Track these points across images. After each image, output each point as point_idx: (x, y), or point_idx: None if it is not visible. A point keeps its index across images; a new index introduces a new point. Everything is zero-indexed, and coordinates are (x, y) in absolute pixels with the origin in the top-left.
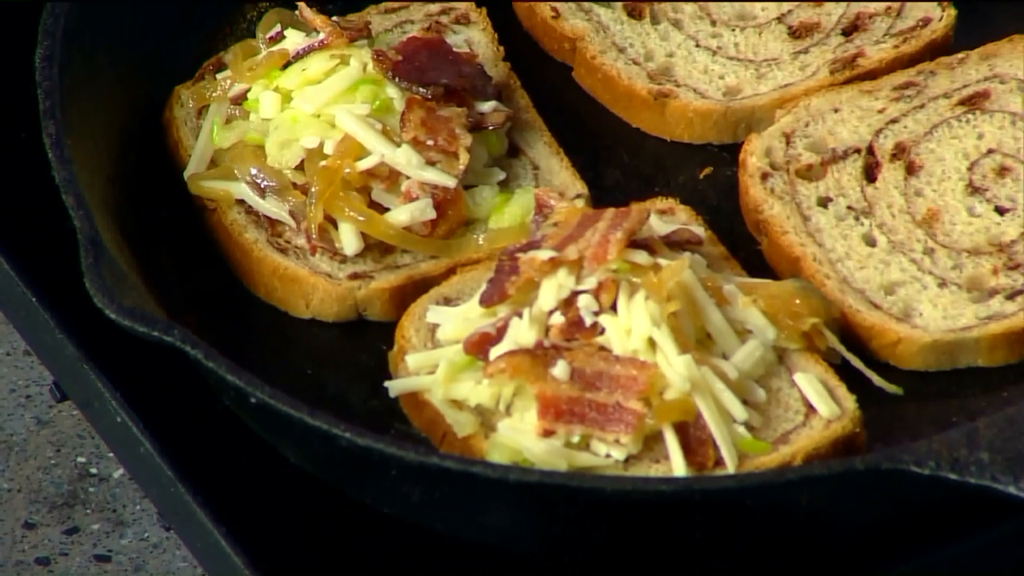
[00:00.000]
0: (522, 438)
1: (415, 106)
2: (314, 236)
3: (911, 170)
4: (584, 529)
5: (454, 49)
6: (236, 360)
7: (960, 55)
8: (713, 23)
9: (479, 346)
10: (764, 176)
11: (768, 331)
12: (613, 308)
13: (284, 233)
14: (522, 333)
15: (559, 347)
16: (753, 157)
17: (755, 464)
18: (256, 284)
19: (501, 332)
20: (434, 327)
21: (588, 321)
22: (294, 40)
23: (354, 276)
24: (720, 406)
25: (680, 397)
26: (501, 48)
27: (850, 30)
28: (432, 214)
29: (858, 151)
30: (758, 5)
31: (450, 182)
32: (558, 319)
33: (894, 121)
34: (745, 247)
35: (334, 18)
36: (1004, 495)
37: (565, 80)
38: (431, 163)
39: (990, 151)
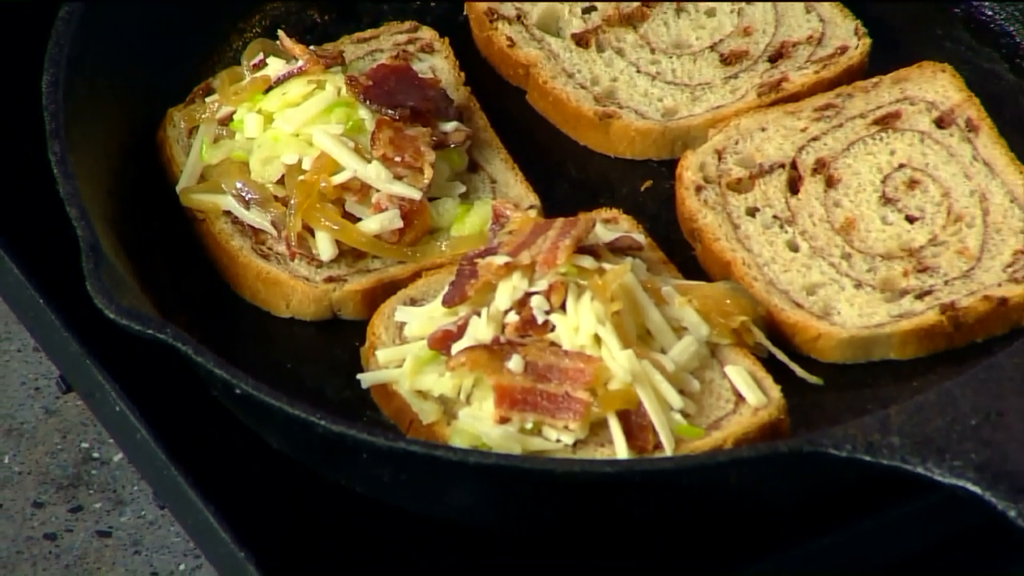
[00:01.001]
0: (481, 425)
1: (384, 126)
2: (293, 243)
3: (830, 183)
4: (537, 506)
5: (419, 75)
6: (223, 355)
7: (874, 79)
8: (652, 51)
9: (442, 342)
10: (698, 189)
11: (702, 328)
12: (562, 308)
13: (267, 241)
14: (480, 330)
15: (514, 343)
16: (688, 172)
17: (690, 448)
18: (241, 287)
19: (462, 330)
20: (401, 325)
21: (540, 319)
22: (275, 67)
23: (329, 279)
24: (659, 396)
25: (623, 388)
26: (462, 74)
27: (775, 57)
28: (399, 223)
29: (783, 166)
30: (692, 35)
31: (416, 195)
32: (513, 318)
33: (815, 139)
34: (681, 253)
35: (311, 47)
36: (913, 475)
37: (520, 103)
38: (399, 177)
39: (901, 166)
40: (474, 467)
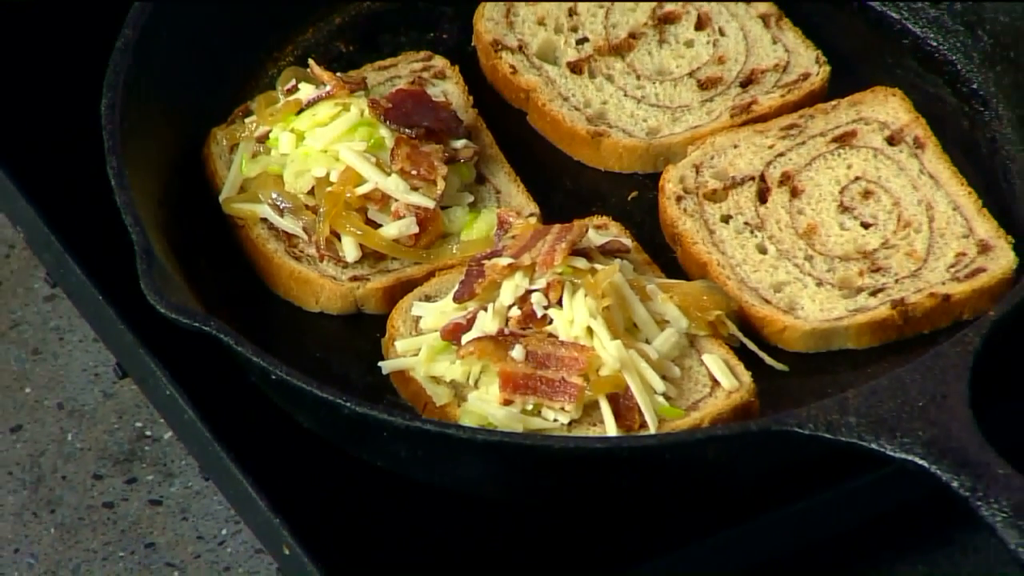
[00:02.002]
0: (487, 406)
1: (402, 144)
2: (322, 247)
3: (794, 193)
4: (537, 478)
5: (433, 98)
6: (260, 345)
7: (833, 102)
8: (638, 77)
9: (453, 333)
10: (678, 199)
11: (681, 321)
12: (559, 303)
13: (298, 245)
14: (487, 323)
15: (516, 334)
16: (670, 183)
17: (671, 426)
18: (276, 285)
19: (470, 322)
20: (417, 319)
21: (539, 313)
22: (306, 91)
23: (354, 278)
24: (644, 381)
25: (612, 374)
26: (470, 97)
27: (746, 83)
28: (415, 229)
29: (753, 179)
30: (673, 63)
31: (430, 204)
32: (515, 312)
33: (781, 155)
34: (663, 255)
35: (338, 74)
36: (867, 451)
37: (521, 123)
38: (415, 189)
39: (857, 178)
40: (481, 444)
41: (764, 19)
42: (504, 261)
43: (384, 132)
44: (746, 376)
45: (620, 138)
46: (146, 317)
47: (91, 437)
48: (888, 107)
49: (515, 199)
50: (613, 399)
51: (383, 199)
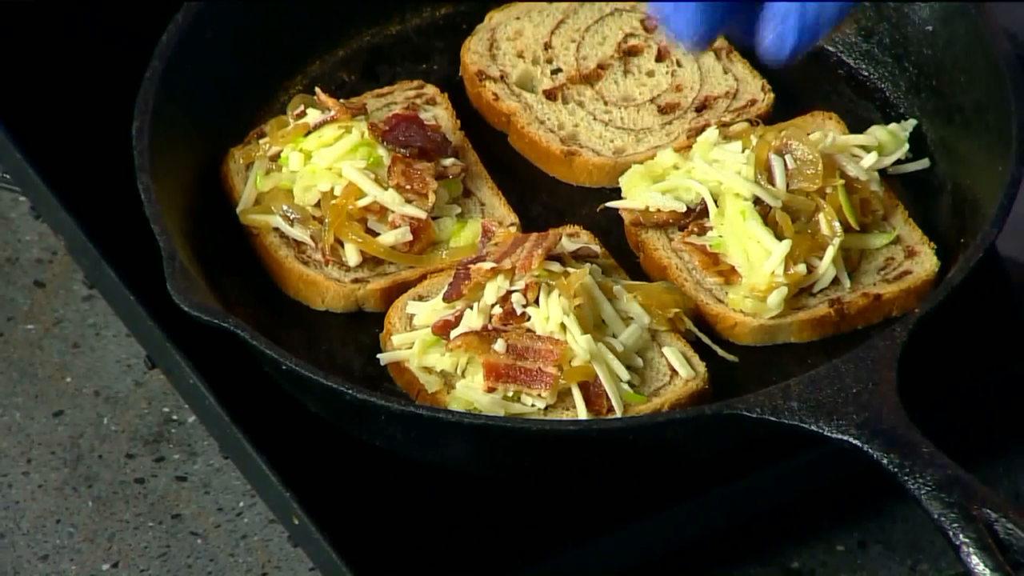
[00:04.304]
0: (473, 393)
1: (398, 162)
2: (327, 253)
3: None
4: (516, 457)
5: (425, 122)
6: (272, 339)
7: (777, 125)
8: (606, 103)
9: (443, 329)
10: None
11: (644, 318)
12: (536, 302)
13: (306, 251)
14: (473, 320)
15: (498, 329)
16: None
17: (635, 411)
18: (286, 286)
19: (458, 319)
20: (411, 316)
21: (519, 311)
22: (313, 116)
23: (355, 280)
24: (611, 370)
25: (583, 364)
26: (458, 121)
27: (701, 108)
28: (410, 237)
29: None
30: (636, 91)
31: (422, 215)
32: (498, 310)
33: None
34: (628, 260)
35: (341, 101)
36: (808, 432)
37: (503, 144)
38: (409, 201)
39: None
40: (468, 426)
41: (716, 52)
42: (488, 265)
43: (382, 152)
44: (701, 366)
45: (590, 157)
46: (172, 315)
47: (124, 421)
48: (825, 129)
49: (497, 211)
50: (584, 387)
51: (381, 211)
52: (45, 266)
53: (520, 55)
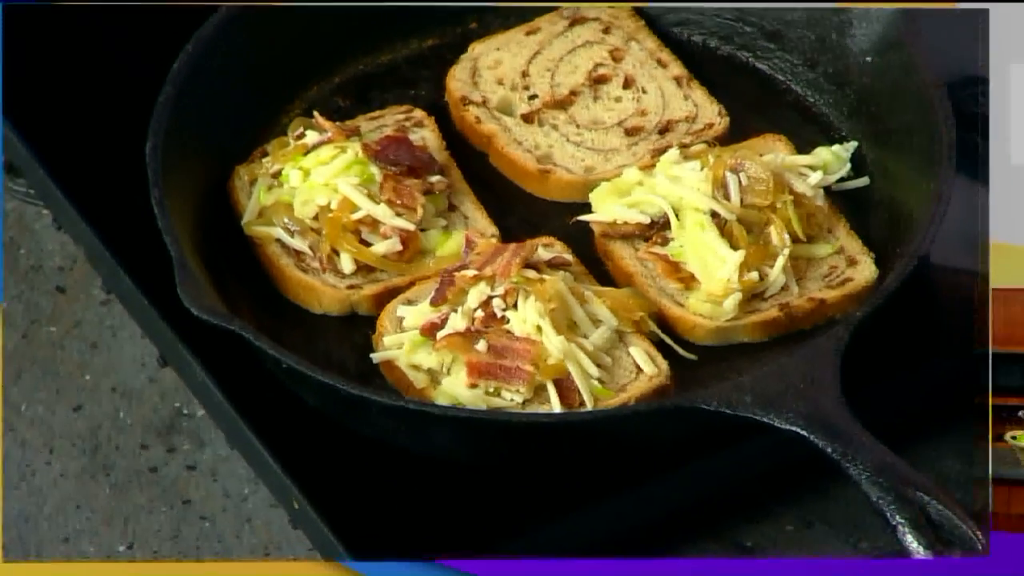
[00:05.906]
0: (457, 389)
1: (389, 179)
2: (324, 261)
3: None
4: (497, 446)
5: (413, 143)
6: (274, 340)
7: (732, 146)
8: (577, 126)
9: (430, 330)
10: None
11: (612, 320)
12: (514, 306)
13: (305, 259)
14: (457, 322)
15: (480, 331)
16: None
17: (604, 404)
18: (287, 292)
19: (444, 322)
20: (401, 319)
21: (498, 314)
22: (311, 137)
23: (350, 286)
24: (582, 368)
25: (556, 362)
26: (443, 142)
27: (663, 130)
28: (399, 247)
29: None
30: (605, 115)
31: (411, 227)
32: (480, 313)
33: None
34: (597, 268)
35: (337, 123)
36: (760, 423)
37: (484, 163)
38: (399, 215)
39: None
40: (452, 419)
41: (677, 80)
42: (471, 272)
43: (374, 169)
44: (664, 364)
45: (563, 174)
46: (182, 317)
47: (138, 414)
48: (775, 151)
49: (479, 223)
50: (558, 383)
51: (373, 223)
52: (66, 273)
53: (500, 82)
